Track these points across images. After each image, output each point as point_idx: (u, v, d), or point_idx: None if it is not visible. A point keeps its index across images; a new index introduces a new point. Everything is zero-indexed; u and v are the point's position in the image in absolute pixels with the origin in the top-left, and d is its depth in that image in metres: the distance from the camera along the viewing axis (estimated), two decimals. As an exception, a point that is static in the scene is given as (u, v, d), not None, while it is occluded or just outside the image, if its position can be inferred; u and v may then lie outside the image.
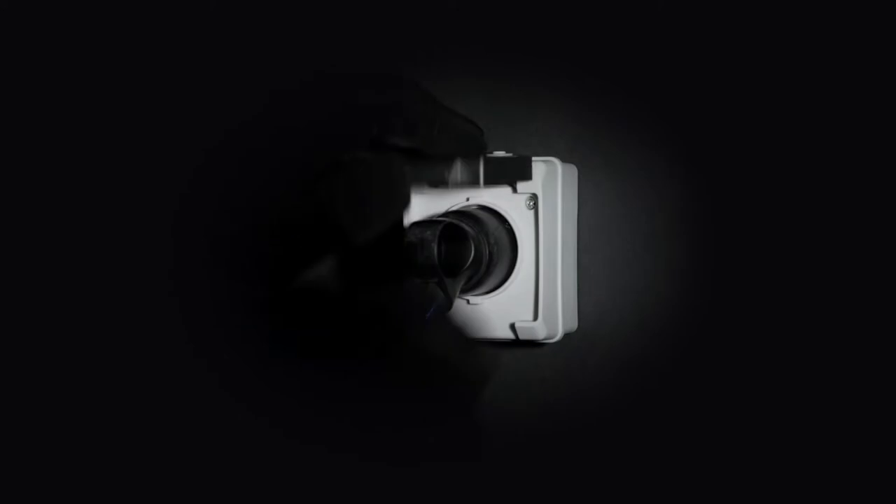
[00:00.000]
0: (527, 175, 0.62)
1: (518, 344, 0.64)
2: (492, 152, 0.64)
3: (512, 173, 0.61)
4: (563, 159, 0.63)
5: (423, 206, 0.65)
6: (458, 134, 0.58)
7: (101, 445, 0.72)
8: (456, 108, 0.59)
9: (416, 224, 0.58)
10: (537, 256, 0.63)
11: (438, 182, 0.56)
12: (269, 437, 0.73)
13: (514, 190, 0.63)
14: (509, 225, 0.63)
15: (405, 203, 0.54)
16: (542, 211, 0.62)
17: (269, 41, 0.71)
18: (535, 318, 0.63)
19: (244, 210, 0.56)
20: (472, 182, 0.60)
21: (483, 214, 0.62)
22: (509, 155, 0.64)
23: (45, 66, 0.74)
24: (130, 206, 0.72)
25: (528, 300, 0.63)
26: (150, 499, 0.71)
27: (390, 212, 0.53)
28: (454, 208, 0.63)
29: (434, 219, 0.60)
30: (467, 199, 0.64)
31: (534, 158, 0.63)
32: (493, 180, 0.59)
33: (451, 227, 0.59)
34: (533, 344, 0.65)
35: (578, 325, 0.66)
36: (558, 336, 0.63)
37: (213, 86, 0.74)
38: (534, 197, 0.62)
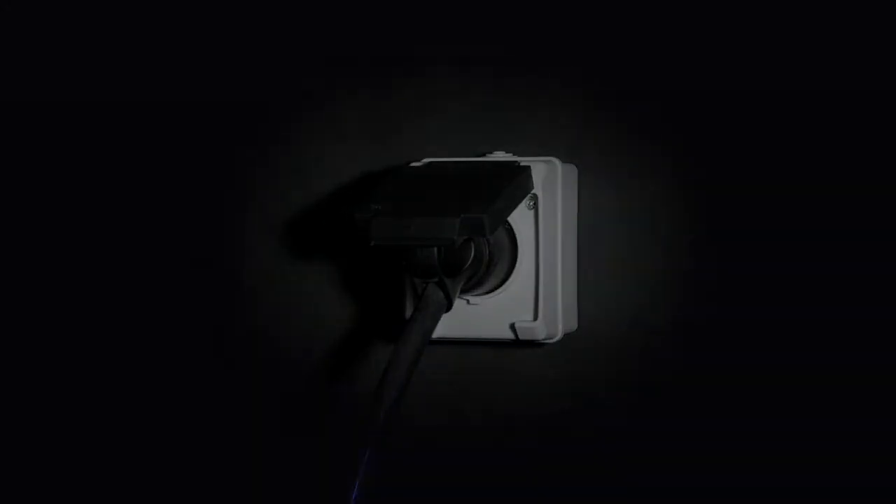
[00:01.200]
0: (528, 185, 0.61)
1: (518, 344, 0.64)
2: (491, 153, 0.64)
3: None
4: (563, 159, 0.63)
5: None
6: None
7: (101, 444, 0.72)
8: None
9: None
10: (537, 256, 0.63)
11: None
12: (270, 436, 0.74)
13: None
14: (509, 225, 0.63)
15: None
16: (542, 211, 0.62)
17: (269, 40, 0.71)
18: (535, 318, 0.63)
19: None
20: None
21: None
22: (508, 157, 0.63)
23: (45, 65, 0.74)
24: (130, 206, 0.72)
25: (528, 300, 0.63)
26: (151, 497, 0.71)
27: None
28: None
29: None
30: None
31: (534, 159, 0.62)
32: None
33: None
34: (533, 344, 0.65)
35: (578, 325, 0.66)
36: (558, 336, 0.63)
37: (214, 85, 0.74)
38: (534, 197, 0.62)
